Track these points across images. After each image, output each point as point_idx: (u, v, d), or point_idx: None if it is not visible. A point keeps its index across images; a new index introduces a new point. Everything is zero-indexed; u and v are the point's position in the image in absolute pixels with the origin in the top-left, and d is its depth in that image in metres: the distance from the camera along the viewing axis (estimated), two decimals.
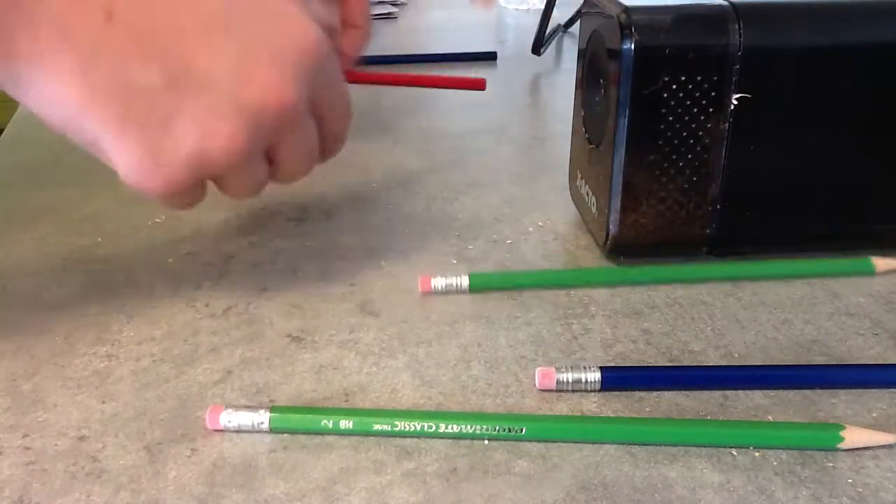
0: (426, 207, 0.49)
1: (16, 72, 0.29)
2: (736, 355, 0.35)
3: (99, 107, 0.29)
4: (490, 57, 0.80)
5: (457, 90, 0.65)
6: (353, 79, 0.60)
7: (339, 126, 0.37)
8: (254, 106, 0.31)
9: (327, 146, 0.37)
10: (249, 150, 0.32)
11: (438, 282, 0.40)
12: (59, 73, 0.29)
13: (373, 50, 0.78)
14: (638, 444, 0.30)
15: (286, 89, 0.31)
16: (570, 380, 0.32)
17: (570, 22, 0.90)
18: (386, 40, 0.87)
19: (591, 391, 0.33)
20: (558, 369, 0.33)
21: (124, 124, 0.30)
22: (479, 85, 0.60)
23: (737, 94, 0.38)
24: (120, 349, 0.36)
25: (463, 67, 0.77)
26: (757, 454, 0.29)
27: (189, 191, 0.33)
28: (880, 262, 0.41)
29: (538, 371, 0.33)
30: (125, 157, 0.31)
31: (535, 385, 0.33)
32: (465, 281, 0.40)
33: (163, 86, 0.30)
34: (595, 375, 0.32)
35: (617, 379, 0.33)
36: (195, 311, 0.38)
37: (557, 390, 0.33)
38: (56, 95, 0.29)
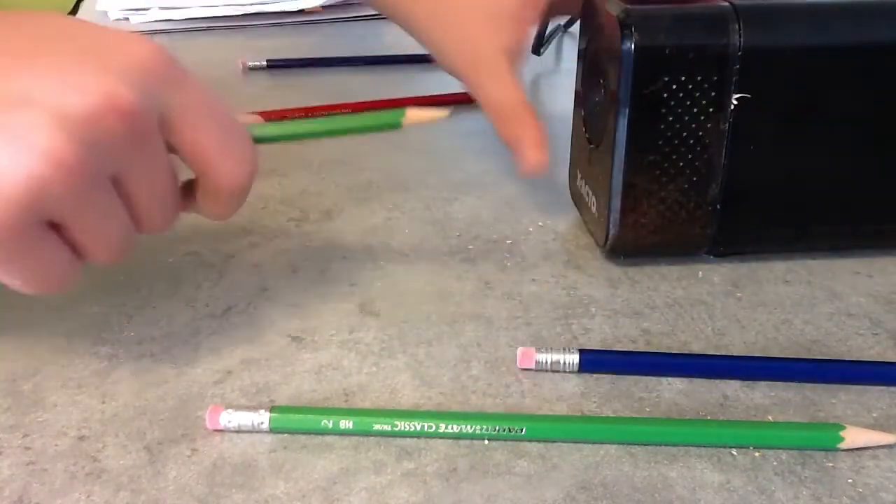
0: (426, 207, 0.49)
1: None
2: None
3: None
4: None
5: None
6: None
7: (211, 140, 0.31)
8: (80, 114, 0.27)
9: (213, 181, 0.32)
10: (83, 169, 0.27)
11: None
12: None
13: (372, 50, 0.79)
14: (638, 444, 0.30)
15: (118, 93, 0.27)
16: (549, 360, 0.33)
17: (570, 22, 0.90)
18: (385, 40, 0.87)
19: (570, 372, 0.34)
20: (538, 350, 0.33)
21: None
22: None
23: (737, 94, 0.38)
24: (120, 349, 0.36)
25: None
26: (757, 454, 0.29)
27: (30, 246, 0.28)
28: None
29: (519, 350, 0.34)
30: None
31: (534, 385, 0.33)
32: None
33: None
34: (574, 358, 0.33)
35: (594, 362, 0.34)
36: (195, 311, 0.38)
37: (536, 369, 0.34)
38: None
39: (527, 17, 0.46)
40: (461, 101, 0.58)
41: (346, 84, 0.69)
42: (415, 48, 0.54)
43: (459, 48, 0.48)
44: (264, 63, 0.73)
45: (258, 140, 0.34)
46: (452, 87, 0.53)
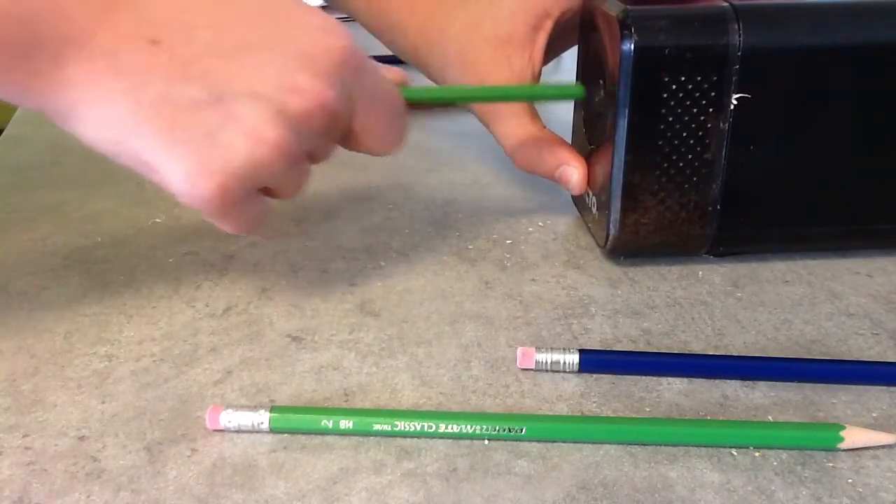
0: (426, 207, 0.49)
1: (72, 99, 0.31)
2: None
3: (147, 123, 0.31)
4: None
5: None
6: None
7: (378, 121, 0.37)
8: (300, 113, 0.32)
9: (367, 142, 0.38)
10: (296, 154, 0.33)
11: None
12: (110, 95, 0.31)
13: (371, 50, 0.79)
14: (638, 444, 0.30)
15: (327, 96, 0.33)
16: (549, 360, 0.33)
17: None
18: None
19: (569, 372, 0.34)
20: (538, 350, 0.34)
21: (172, 138, 0.31)
22: None
23: (737, 94, 0.38)
24: (120, 349, 0.36)
25: None
26: (757, 454, 0.29)
27: (243, 203, 0.33)
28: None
29: (519, 350, 0.34)
30: (175, 171, 0.31)
31: (534, 385, 0.33)
32: None
33: (207, 101, 0.31)
34: (574, 357, 0.33)
35: (594, 362, 0.34)
36: (195, 311, 0.38)
37: (536, 369, 0.34)
38: (108, 117, 0.31)
39: (537, 41, 0.44)
40: None
41: None
42: None
43: (463, 79, 0.46)
44: None
45: (408, 101, 0.38)
46: None
